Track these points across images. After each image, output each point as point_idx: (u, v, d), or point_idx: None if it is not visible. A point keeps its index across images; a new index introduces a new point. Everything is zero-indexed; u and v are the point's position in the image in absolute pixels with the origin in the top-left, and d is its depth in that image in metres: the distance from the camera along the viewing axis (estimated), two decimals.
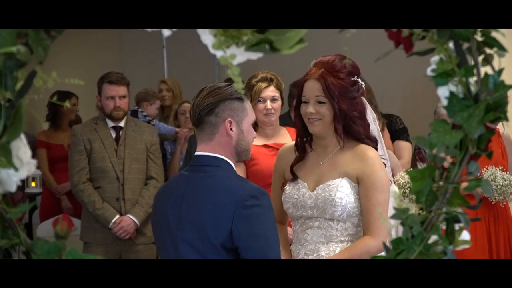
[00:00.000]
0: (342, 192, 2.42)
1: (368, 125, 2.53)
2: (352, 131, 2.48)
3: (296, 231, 2.56)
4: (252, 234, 2.11)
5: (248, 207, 2.11)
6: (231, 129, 2.22)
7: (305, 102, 2.50)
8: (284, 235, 2.67)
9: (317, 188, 2.48)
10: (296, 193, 2.53)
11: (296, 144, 2.61)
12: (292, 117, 4.26)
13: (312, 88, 2.48)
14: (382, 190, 2.40)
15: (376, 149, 2.52)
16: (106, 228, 4.15)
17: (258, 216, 2.13)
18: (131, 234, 4.15)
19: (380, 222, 2.35)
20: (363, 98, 2.56)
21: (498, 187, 3.96)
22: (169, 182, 2.38)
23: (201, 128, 2.26)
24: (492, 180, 3.95)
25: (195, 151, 4.47)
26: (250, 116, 2.29)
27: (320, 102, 2.47)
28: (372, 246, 2.35)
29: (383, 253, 1.52)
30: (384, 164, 2.55)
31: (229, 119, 2.22)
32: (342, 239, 2.46)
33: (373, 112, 2.65)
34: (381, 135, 2.67)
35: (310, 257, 2.47)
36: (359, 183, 2.44)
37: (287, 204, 2.55)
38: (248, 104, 2.31)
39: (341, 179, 2.45)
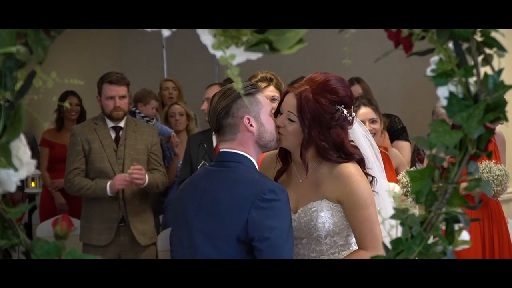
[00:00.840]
0: (323, 216, 2.38)
1: (348, 153, 2.40)
2: (323, 157, 2.40)
3: None
4: (268, 225, 2.13)
5: (266, 201, 2.14)
6: (251, 125, 2.26)
7: (281, 113, 2.45)
8: None
9: (298, 210, 2.44)
10: None
11: (279, 153, 2.56)
12: None
13: (288, 103, 2.40)
14: (365, 206, 2.33)
15: (360, 163, 2.43)
16: (106, 225, 4.15)
17: (275, 210, 2.15)
18: (143, 178, 4.07)
19: (371, 236, 2.31)
20: (353, 127, 2.46)
21: (495, 177, 3.97)
22: (193, 176, 2.43)
23: (223, 132, 2.30)
24: (487, 172, 3.97)
25: (194, 152, 4.46)
26: (266, 107, 2.31)
27: (290, 119, 2.38)
28: (367, 258, 2.31)
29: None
30: (372, 176, 2.46)
31: (246, 116, 2.26)
32: (333, 251, 2.44)
33: (369, 137, 2.57)
34: (380, 158, 2.58)
35: None
36: (341, 204, 2.38)
37: None
38: (260, 96, 2.32)
39: (320, 201, 2.40)
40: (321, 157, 2.41)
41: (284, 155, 2.54)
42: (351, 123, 2.43)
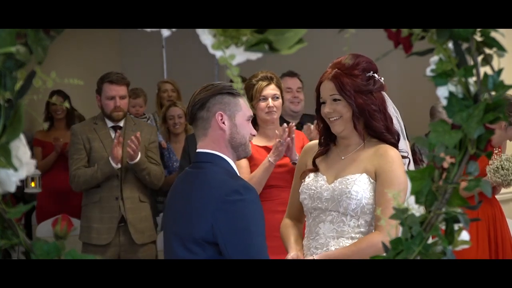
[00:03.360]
0: (359, 187, 2.44)
1: (390, 119, 2.54)
2: (372, 127, 2.50)
3: (309, 224, 2.57)
4: (232, 228, 2.13)
5: (229, 202, 2.14)
6: (223, 123, 2.25)
7: (323, 103, 2.55)
8: (299, 231, 2.70)
9: (335, 181, 2.51)
10: (314, 184, 2.55)
11: (319, 143, 2.64)
12: (285, 116, 4.28)
13: (327, 88, 2.52)
14: (399, 188, 2.37)
15: (397, 143, 2.54)
16: (106, 224, 4.16)
17: (240, 211, 2.15)
18: (136, 149, 4.08)
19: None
20: (384, 93, 2.57)
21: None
22: (177, 179, 2.45)
23: (196, 125, 2.30)
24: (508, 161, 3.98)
25: (193, 151, 4.48)
26: (245, 111, 2.31)
27: (335, 100, 2.49)
28: (379, 240, 2.32)
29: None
30: (409, 158, 2.57)
31: (220, 112, 2.25)
32: (353, 235, 2.46)
33: (396, 108, 2.65)
34: (404, 130, 2.67)
35: (319, 251, 2.48)
36: (376, 179, 2.45)
37: (304, 195, 2.58)
38: (243, 100, 2.33)
39: (360, 174, 2.47)
40: (369, 127, 2.49)
41: (326, 143, 2.62)
42: (384, 84, 2.56)
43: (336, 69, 2.50)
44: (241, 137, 2.29)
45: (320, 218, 2.51)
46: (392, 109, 2.60)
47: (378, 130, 2.50)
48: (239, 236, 2.13)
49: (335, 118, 2.51)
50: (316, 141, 2.70)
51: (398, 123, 2.61)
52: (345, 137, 2.55)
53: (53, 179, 5.69)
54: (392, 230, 2.32)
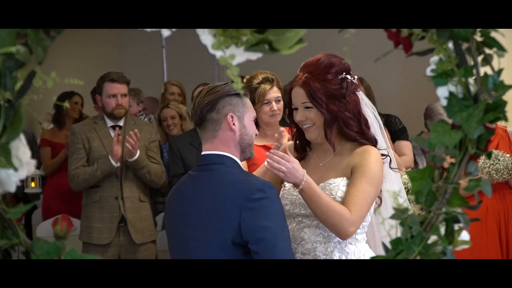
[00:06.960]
0: (344, 192, 2.39)
1: (365, 122, 2.47)
2: (346, 134, 2.44)
3: (293, 229, 2.49)
4: (261, 226, 2.11)
5: (255, 200, 2.12)
6: (233, 124, 2.24)
7: (296, 109, 2.48)
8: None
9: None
10: (295, 190, 2.49)
11: (295, 147, 2.59)
12: (286, 118, 4.26)
13: (298, 95, 2.45)
14: (370, 182, 2.33)
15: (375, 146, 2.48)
16: (106, 224, 4.16)
17: (265, 208, 2.13)
18: (135, 145, 4.08)
19: (355, 209, 2.29)
20: (359, 92, 2.50)
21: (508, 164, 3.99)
22: (179, 183, 2.39)
23: (204, 127, 2.27)
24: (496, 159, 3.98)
25: (184, 151, 4.43)
26: (251, 112, 2.31)
27: (307, 107, 2.43)
28: (347, 217, 2.27)
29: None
30: (389, 157, 2.52)
31: (231, 113, 2.24)
32: (341, 240, 2.43)
33: (373, 106, 2.59)
34: (382, 128, 2.61)
35: (306, 257, 2.44)
36: (352, 174, 2.40)
37: (285, 201, 2.52)
38: (247, 101, 2.33)
39: (342, 178, 2.42)
40: (343, 133, 2.44)
41: (302, 147, 2.57)
42: (358, 85, 2.49)
43: (307, 74, 2.43)
44: (249, 138, 2.29)
45: (304, 223, 2.46)
46: (367, 108, 2.53)
47: (352, 137, 2.44)
48: (267, 234, 2.11)
49: (308, 125, 2.45)
50: (290, 143, 2.64)
51: (375, 120, 2.56)
52: (320, 143, 2.50)
53: (60, 179, 5.67)
54: (360, 219, 2.30)
